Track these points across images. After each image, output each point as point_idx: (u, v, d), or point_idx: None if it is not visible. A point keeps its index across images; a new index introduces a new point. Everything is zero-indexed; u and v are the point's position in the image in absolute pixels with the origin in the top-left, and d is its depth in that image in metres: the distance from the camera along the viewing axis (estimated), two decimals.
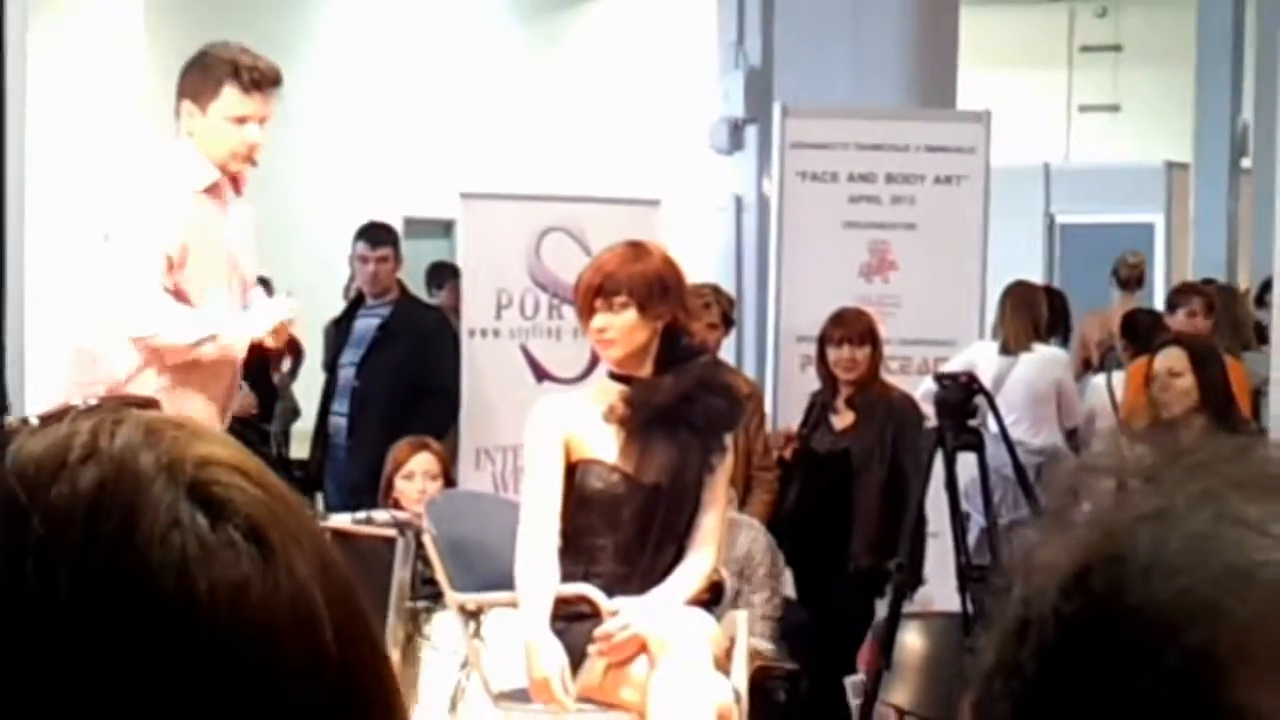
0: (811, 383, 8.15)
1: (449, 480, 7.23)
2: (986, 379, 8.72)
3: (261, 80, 5.65)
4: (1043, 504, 0.95)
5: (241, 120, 5.61)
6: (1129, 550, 0.87)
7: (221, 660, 0.85)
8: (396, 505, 6.96)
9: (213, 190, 5.61)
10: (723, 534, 5.61)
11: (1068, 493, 0.93)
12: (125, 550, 0.85)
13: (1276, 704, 0.83)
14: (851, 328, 7.86)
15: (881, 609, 7.48)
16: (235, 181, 5.69)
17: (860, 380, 7.81)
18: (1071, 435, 9.13)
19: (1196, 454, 0.91)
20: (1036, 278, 12.30)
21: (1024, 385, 8.95)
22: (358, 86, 13.10)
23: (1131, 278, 12.19)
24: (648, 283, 5.32)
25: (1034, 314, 9.26)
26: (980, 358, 8.84)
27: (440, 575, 5.85)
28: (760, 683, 6.40)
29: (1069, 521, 0.92)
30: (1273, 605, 0.84)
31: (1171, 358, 7.26)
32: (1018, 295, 9.37)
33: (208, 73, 5.64)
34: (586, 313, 5.36)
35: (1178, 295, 10.47)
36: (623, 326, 5.33)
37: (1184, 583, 0.85)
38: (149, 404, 0.96)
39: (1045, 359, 9.22)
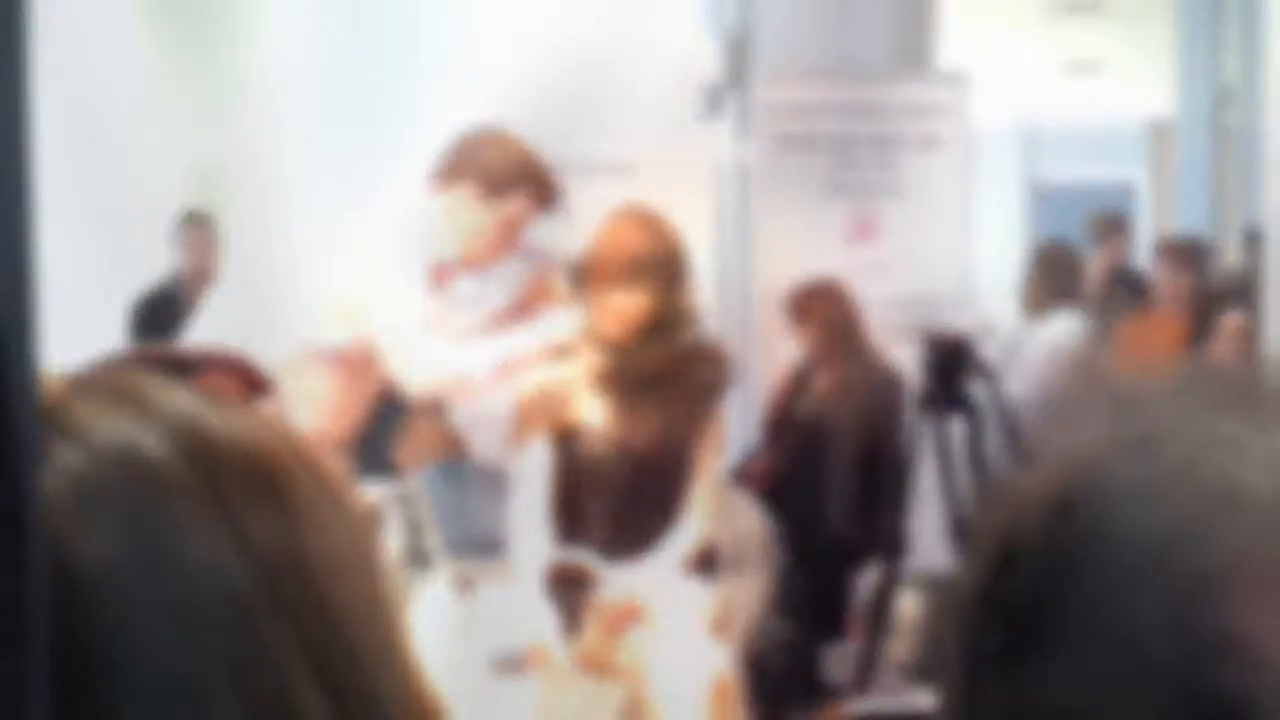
0: (792, 349, 8.12)
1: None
2: (1004, 339, 8.73)
3: (560, 200, 5.48)
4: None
5: (512, 226, 5.42)
6: (1113, 477, 0.88)
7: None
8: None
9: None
10: (713, 501, 5.58)
11: (1048, 423, 0.94)
12: None
13: (1268, 627, 0.83)
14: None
15: (853, 577, 7.48)
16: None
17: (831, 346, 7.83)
18: None
19: (1172, 378, 0.92)
20: (1019, 239, 12.30)
21: (1046, 348, 8.91)
22: (330, 55, 13.05)
23: (1099, 235, 12.19)
24: (669, 269, 5.31)
25: (1064, 277, 9.22)
26: (999, 318, 8.83)
27: (432, 545, 5.83)
28: (756, 652, 6.39)
29: (1051, 450, 0.92)
30: (1260, 529, 0.85)
31: (1242, 320, 6.87)
32: (1050, 257, 9.34)
33: (507, 168, 5.43)
34: (606, 290, 5.31)
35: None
36: (638, 310, 5.30)
37: (1172, 508, 0.85)
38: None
39: (1069, 322, 9.19)
